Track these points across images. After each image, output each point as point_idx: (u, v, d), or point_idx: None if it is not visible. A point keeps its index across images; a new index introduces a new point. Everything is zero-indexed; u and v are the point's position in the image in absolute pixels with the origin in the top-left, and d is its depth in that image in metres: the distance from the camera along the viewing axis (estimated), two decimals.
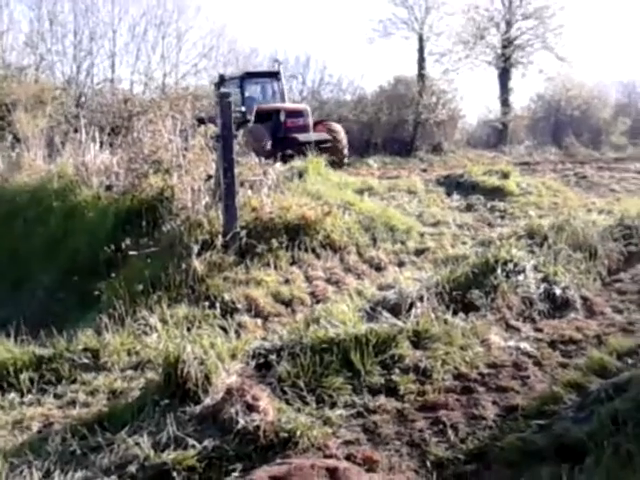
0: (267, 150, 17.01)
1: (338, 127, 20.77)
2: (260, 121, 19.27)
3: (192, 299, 6.37)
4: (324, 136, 19.57)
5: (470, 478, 3.89)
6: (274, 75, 22.04)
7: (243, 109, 19.97)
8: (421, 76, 28.29)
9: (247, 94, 21.11)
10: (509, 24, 31.29)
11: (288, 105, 21.62)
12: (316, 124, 20.18)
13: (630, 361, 4.82)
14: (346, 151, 20.43)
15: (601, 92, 33.81)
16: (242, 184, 8.00)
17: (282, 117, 19.38)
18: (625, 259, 7.36)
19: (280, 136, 18.77)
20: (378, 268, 7.54)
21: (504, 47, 31.08)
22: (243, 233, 7.25)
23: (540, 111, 32.68)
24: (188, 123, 9.22)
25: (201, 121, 19.71)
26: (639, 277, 6.98)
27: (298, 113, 20.24)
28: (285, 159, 17.95)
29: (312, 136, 19.31)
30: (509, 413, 4.54)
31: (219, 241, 7.08)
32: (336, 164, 18.67)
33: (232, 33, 31.62)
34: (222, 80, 20.35)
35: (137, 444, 4.11)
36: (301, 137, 18.69)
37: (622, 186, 10.88)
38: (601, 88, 33.95)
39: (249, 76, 21.52)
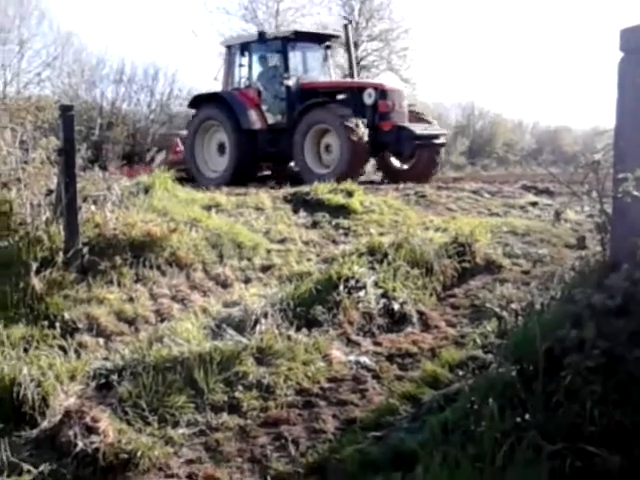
0: (363, 144, 13.20)
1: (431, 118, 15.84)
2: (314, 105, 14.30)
3: (31, 319, 6.13)
4: (438, 129, 15.26)
5: None
6: (324, 40, 16.44)
7: (290, 83, 15.15)
8: None
9: (290, 64, 15.39)
10: (356, 45, 32.28)
11: (379, 81, 16.76)
12: None
13: (460, 372, 5.10)
14: (442, 154, 15.81)
15: (442, 114, 35.55)
16: (85, 199, 7.80)
17: (370, 98, 14.19)
18: (459, 275, 7.76)
19: (373, 124, 13.82)
20: (224, 285, 7.55)
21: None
22: (85, 250, 7.06)
23: None
24: (29, 135, 8.87)
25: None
26: (471, 292, 7.38)
27: (394, 93, 14.66)
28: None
29: (431, 128, 14.96)
30: (348, 426, 4.70)
31: (60, 258, 6.86)
32: (421, 175, 14.46)
33: (78, 41, 30.67)
34: (262, 39, 15.28)
35: None
36: (417, 129, 14.15)
37: (458, 205, 11.39)
38: (442, 110, 35.74)
39: (298, 38, 15.55)
